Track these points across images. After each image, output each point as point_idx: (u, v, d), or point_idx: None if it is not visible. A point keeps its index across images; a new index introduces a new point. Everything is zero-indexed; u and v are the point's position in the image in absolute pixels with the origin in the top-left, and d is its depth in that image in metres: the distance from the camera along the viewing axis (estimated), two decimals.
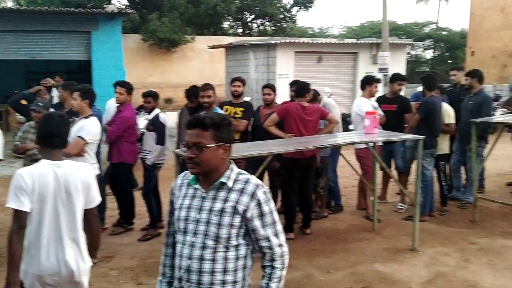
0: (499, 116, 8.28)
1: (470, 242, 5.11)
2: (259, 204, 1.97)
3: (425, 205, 5.89)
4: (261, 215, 1.98)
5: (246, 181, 1.99)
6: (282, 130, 5.31)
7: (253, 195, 1.96)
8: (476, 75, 6.27)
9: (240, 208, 1.95)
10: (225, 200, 1.97)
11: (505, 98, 11.65)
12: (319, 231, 5.64)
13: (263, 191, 1.99)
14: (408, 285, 4.14)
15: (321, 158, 5.79)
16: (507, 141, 7.76)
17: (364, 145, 5.54)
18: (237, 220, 1.95)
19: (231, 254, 1.98)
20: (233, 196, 1.97)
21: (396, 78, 6.42)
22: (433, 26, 38.41)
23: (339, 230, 5.69)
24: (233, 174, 2.01)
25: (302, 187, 5.44)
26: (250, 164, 4.92)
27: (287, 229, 5.37)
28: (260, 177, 5.35)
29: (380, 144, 5.97)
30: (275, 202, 5.95)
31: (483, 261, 4.58)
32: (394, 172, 6.34)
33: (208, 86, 5.14)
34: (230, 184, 1.98)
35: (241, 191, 1.97)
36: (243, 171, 2.06)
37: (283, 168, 5.44)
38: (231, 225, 1.95)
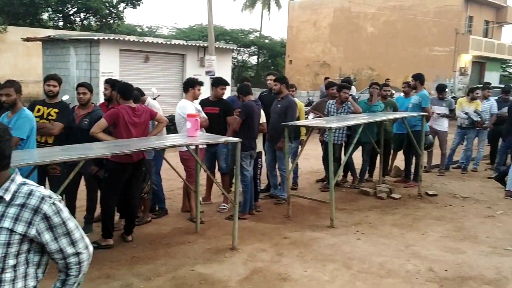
0: (310, 120, 9.10)
1: (284, 236, 5.49)
2: (46, 218, 1.78)
3: (245, 204, 6.16)
4: (51, 227, 1.80)
5: (29, 194, 1.78)
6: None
7: (37, 210, 1.76)
8: (284, 81, 6.79)
9: (20, 225, 1.74)
10: (1, 216, 1.74)
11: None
12: (142, 236, 5.47)
13: (50, 203, 1.80)
14: (226, 284, 4.25)
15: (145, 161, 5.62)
16: (317, 142, 8.60)
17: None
18: (16, 237, 1.75)
19: (8, 275, 1.75)
20: (12, 211, 1.75)
21: (218, 82, 6.59)
22: (257, 34, 40.85)
23: (163, 234, 5.60)
24: (13, 185, 1.78)
25: (127, 192, 5.21)
26: (66, 170, 4.52)
27: (106, 235, 5.10)
28: (75, 182, 5.00)
29: (204, 146, 6.07)
30: (94, 208, 5.60)
31: (294, 253, 4.95)
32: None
33: (8, 84, 4.57)
34: (7, 197, 1.75)
35: (22, 206, 1.76)
36: (29, 182, 1.84)
37: (107, 172, 5.13)
38: (9, 244, 1.73)
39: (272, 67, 41.02)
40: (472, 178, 8.82)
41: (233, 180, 6.05)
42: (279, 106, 6.69)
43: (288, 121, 6.38)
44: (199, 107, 6.29)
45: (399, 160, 8.98)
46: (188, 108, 5.98)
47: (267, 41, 40.65)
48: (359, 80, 29.45)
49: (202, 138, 5.31)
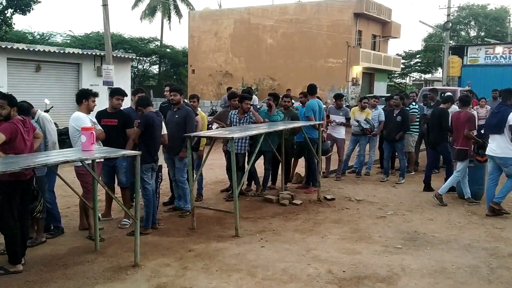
0: (213, 129, 9.13)
1: (189, 249, 5.42)
2: None
3: (147, 219, 5.99)
4: None
5: None
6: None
7: None
8: (180, 91, 6.78)
9: None
10: None
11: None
12: (36, 259, 5.09)
13: None
14: None
15: (36, 178, 5.25)
16: (221, 151, 8.64)
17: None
18: None
19: None
20: None
21: (114, 92, 6.39)
22: (158, 43, 40.22)
23: (59, 255, 5.25)
24: None
25: (19, 212, 4.81)
26: None
27: (14, 261, 4.72)
28: None
29: (101, 160, 5.81)
30: None
31: (199, 266, 4.91)
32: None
33: None
34: None
35: None
36: None
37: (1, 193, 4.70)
38: None
39: (174, 77, 40.65)
40: (365, 181, 9.43)
41: (135, 194, 5.87)
42: (176, 116, 6.64)
43: (188, 131, 6.35)
44: (95, 120, 6.02)
45: (300, 167, 9.33)
46: (82, 120, 5.69)
47: (168, 50, 40.15)
48: (261, 90, 30.19)
49: (99, 152, 5.08)
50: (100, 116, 6.37)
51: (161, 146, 6.47)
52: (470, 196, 7.65)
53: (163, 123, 6.38)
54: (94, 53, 15.96)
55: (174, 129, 6.54)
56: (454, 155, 7.86)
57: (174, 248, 5.47)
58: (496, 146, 6.87)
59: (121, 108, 6.47)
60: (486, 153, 7.16)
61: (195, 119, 6.90)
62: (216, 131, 7.14)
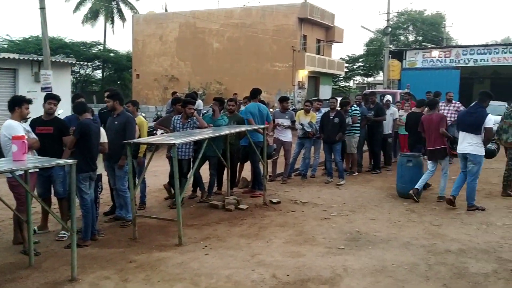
0: (158, 135, 8.95)
1: (130, 260, 5.24)
2: None
3: (86, 230, 5.76)
4: None
5: None
6: None
7: None
8: (117, 97, 6.57)
9: None
10: None
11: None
12: None
13: None
14: None
15: None
16: (165, 158, 8.46)
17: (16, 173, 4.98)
18: None
19: None
20: None
21: (47, 97, 6.15)
22: (101, 47, 39.12)
23: None
24: None
25: None
26: None
27: None
28: None
29: (35, 170, 5.53)
30: None
31: (140, 277, 4.76)
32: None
33: None
34: None
35: None
36: None
37: None
38: None
39: (118, 81, 39.65)
40: (310, 184, 9.54)
41: None
42: (115, 123, 6.44)
43: (127, 138, 6.17)
44: (29, 128, 5.73)
45: (247, 171, 9.31)
46: (15, 128, 5.42)
47: (112, 54, 39.13)
48: (208, 94, 30.02)
49: (31, 162, 4.82)
50: (35, 123, 6.07)
51: (102, 154, 6.25)
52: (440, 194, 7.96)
53: (102, 130, 6.17)
54: (31, 58, 15.27)
55: (114, 136, 6.34)
56: (433, 155, 7.95)
57: (115, 260, 5.28)
58: (467, 143, 7.23)
59: (59, 114, 6.20)
60: (457, 150, 7.47)
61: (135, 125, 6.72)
62: (157, 137, 6.99)
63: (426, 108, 8.60)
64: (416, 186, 7.91)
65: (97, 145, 5.86)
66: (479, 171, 7.30)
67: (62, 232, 6.08)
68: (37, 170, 5.56)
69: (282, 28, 30.08)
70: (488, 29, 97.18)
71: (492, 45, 29.46)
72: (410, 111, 10.30)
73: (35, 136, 5.70)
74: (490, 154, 7.86)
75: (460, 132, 7.44)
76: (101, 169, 6.35)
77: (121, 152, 6.30)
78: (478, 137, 7.16)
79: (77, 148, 5.61)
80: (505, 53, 25.42)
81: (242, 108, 10.58)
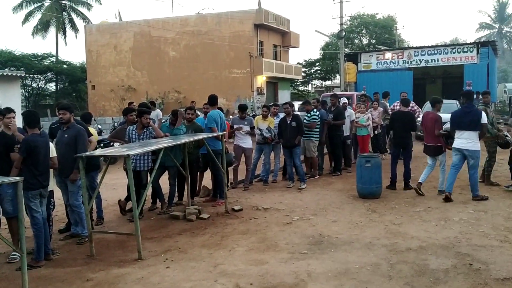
0: (115, 147, 8.69)
1: (86, 279, 5.01)
2: None
3: (39, 250, 5.47)
4: None
5: None
6: None
7: None
8: (71, 109, 6.36)
9: None
10: None
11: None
12: None
13: None
14: None
15: None
16: (122, 170, 8.23)
17: None
18: None
19: None
20: None
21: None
22: (53, 59, 37.98)
23: None
24: None
25: None
26: None
27: None
28: None
29: None
30: None
31: None
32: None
33: None
34: None
35: None
36: None
37: None
38: None
39: (73, 94, 38.57)
40: (272, 189, 9.49)
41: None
42: (66, 136, 6.20)
43: (79, 151, 5.94)
44: None
45: (209, 180, 9.16)
46: None
47: (65, 66, 38.02)
48: (166, 103, 29.65)
49: None
50: None
51: (52, 169, 5.98)
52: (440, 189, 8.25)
53: (51, 145, 5.91)
54: None
55: (64, 149, 6.09)
56: (429, 151, 8.40)
57: (70, 280, 5.03)
58: (465, 140, 7.63)
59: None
60: (454, 146, 7.84)
61: (90, 140, 6.48)
62: (111, 149, 6.74)
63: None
64: (420, 180, 8.30)
65: (47, 161, 5.59)
66: (478, 164, 7.79)
67: (14, 253, 5.76)
68: None
69: (238, 35, 30.13)
70: (437, 31, 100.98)
71: (441, 46, 30.56)
72: (370, 111, 10.49)
73: None
74: (506, 145, 8.77)
75: (457, 131, 7.82)
76: (52, 185, 6.08)
77: (72, 166, 6.04)
78: (476, 133, 7.62)
79: (25, 165, 5.33)
80: (454, 53, 26.42)
81: (200, 115, 10.45)
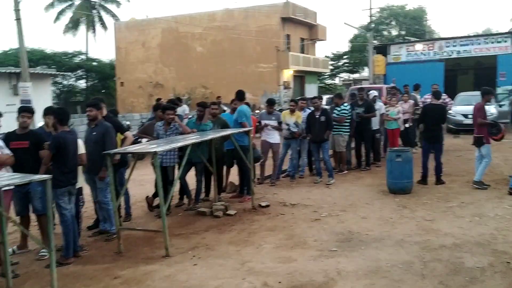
0: (143, 143, 8.72)
1: (115, 276, 5.03)
2: None
3: (68, 247, 5.52)
4: None
5: None
6: None
7: None
8: (98, 106, 6.37)
9: None
10: None
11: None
12: None
13: None
14: None
15: None
16: (150, 165, 8.24)
17: None
18: None
19: None
20: None
21: (19, 110, 5.88)
22: (83, 57, 38.69)
23: None
24: None
25: None
26: None
27: None
28: None
29: (10, 187, 5.28)
30: None
31: None
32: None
33: None
34: None
35: None
36: None
37: None
38: None
39: (103, 90, 39.21)
40: (299, 184, 9.36)
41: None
42: (94, 133, 6.22)
43: (107, 148, 5.96)
44: (2, 143, 5.48)
45: (235, 176, 9.10)
46: None
47: (95, 63, 38.69)
48: (194, 99, 29.77)
49: (4, 179, 4.58)
50: (9, 138, 5.80)
51: (81, 166, 6.03)
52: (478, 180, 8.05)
53: (80, 142, 5.95)
54: (8, 71, 14.94)
55: (92, 147, 6.12)
56: (474, 142, 8.26)
57: (99, 277, 5.05)
58: None
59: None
60: None
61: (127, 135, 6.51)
62: (138, 146, 6.74)
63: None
64: (475, 179, 8.11)
65: (75, 158, 5.63)
66: None
67: (43, 250, 5.82)
68: (13, 187, 5.33)
69: (265, 29, 29.97)
70: (469, 21, 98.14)
71: (474, 36, 29.64)
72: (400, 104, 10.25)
73: (8, 152, 5.46)
74: None
75: None
76: (81, 182, 6.13)
77: (101, 164, 6.07)
78: None
79: (54, 162, 5.38)
80: (487, 43, 25.54)
81: (227, 111, 10.40)
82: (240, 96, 8.67)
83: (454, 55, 26.14)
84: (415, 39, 33.29)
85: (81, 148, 5.94)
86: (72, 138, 5.59)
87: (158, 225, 6.76)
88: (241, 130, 7.95)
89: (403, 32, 44.37)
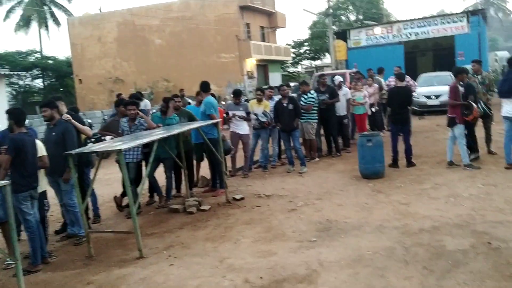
0: (107, 141, 8.36)
1: (87, 282, 4.76)
2: None
3: (35, 254, 5.19)
4: None
5: None
6: None
7: None
8: (53, 105, 6.02)
9: None
10: None
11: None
12: None
13: None
14: None
15: None
16: (116, 165, 7.91)
17: None
18: None
19: None
20: None
21: None
22: (38, 55, 37.21)
23: None
24: None
25: None
26: None
27: None
28: None
29: None
30: None
31: None
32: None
33: None
34: None
35: None
36: None
37: None
38: None
39: (61, 89, 37.86)
40: (272, 175, 9.22)
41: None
42: (53, 134, 5.88)
43: (68, 149, 5.63)
44: None
45: (206, 169, 8.86)
46: None
47: (50, 61, 37.29)
48: (156, 92, 29.16)
49: None
50: None
51: (43, 169, 5.67)
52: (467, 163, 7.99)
53: (39, 143, 5.59)
54: None
55: (53, 148, 5.78)
56: (447, 122, 8.23)
57: (70, 283, 4.78)
58: (510, 108, 7.51)
59: None
60: (502, 114, 7.70)
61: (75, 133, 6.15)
62: (103, 144, 6.40)
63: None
64: (448, 160, 8.19)
65: (35, 160, 5.28)
66: None
67: (9, 259, 5.47)
68: None
69: (223, 18, 29.58)
70: (422, 3, 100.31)
71: (430, 17, 30.14)
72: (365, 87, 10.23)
73: None
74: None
75: (503, 100, 7.71)
76: (44, 185, 5.78)
77: (64, 165, 5.72)
78: None
79: (13, 166, 5.02)
80: (444, 23, 26.03)
81: (192, 103, 10.13)
82: (204, 87, 8.42)
83: (413, 37, 26.53)
84: (373, 23, 33.61)
85: (42, 150, 5.59)
86: (30, 139, 5.23)
87: (129, 225, 6.49)
88: (209, 122, 7.71)
89: (361, 17, 44.72)
